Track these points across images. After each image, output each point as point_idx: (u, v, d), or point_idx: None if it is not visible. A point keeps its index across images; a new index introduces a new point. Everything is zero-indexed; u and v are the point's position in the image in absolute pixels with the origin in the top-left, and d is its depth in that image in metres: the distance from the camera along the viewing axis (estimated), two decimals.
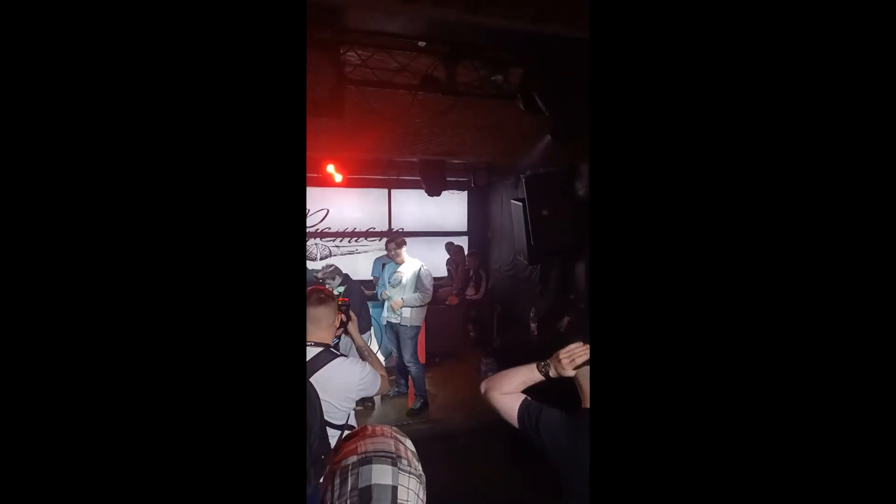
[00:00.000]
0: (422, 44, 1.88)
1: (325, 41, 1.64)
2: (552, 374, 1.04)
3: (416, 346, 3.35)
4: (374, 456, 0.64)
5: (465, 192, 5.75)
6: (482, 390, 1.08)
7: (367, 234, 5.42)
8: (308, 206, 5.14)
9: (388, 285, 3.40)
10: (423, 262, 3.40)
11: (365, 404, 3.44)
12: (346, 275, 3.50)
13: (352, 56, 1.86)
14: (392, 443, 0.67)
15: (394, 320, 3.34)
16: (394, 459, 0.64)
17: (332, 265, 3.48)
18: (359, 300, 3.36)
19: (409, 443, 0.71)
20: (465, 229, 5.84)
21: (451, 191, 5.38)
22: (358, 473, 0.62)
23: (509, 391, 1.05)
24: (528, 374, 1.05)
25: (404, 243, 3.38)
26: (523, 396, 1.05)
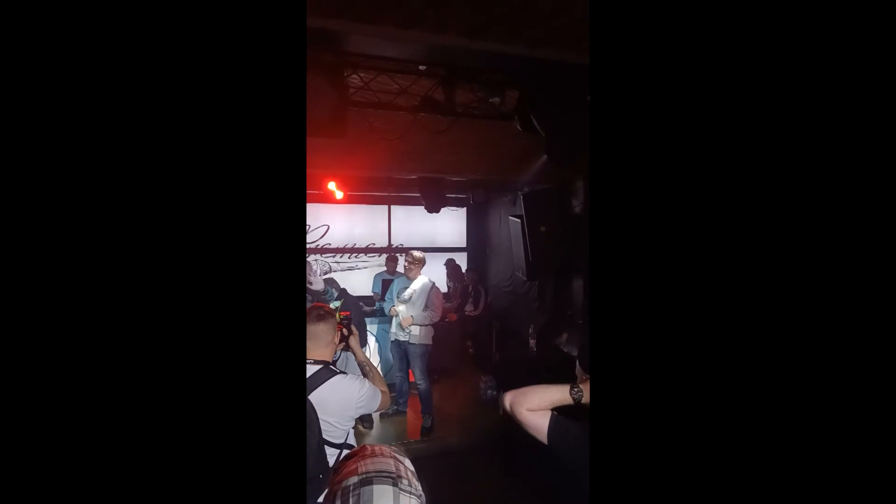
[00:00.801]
0: (422, 67, 1.94)
1: (328, 64, 1.70)
2: (584, 400, 1.02)
3: (425, 364, 3.31)
4: (375, 476, 0.64)
5: (465, 209, 5.80)
6: (507, 403, 1.07)
7: (368, 251, 5.44)
8: (309, 223, 5.17)
9: (396, 300, 3.37)
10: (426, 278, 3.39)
11: (363, 424, 3.40)
12: (344, 289, 3.50)
13: (354, 79, 1.92)
14: (392, 463, 0.68)
15: (402, 338, 3.30)
16: (395, 480, 0.64)
17: (330, 277, 3.48)
18: (357, 316, 3.35)
19: (408, 462, 0.71)
20: (464, 245, 5.86)
21: (451, 207, 5.42)
22: (359, 494, 0.62)
23: (537, 408, 1.04)
24: (559, 396, 1.04)
25: (423, 261, 3.32)
26: (551, 412, 1.04)
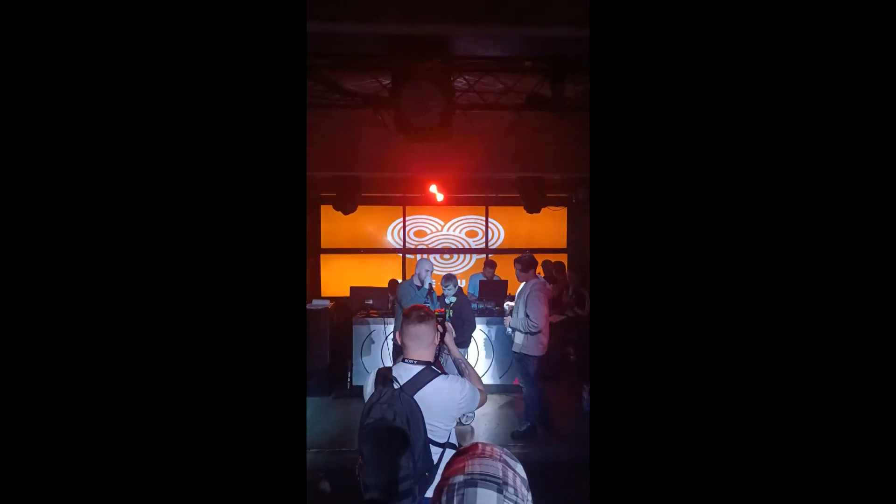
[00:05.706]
0: (527, 63, 1.88)
1: (437, 70, 1.74)
2: None
3: (526, 371, 3.20)
4: (480, 479, 0.63)
5: (566, 208, 5.55)
6: None
7: (466, 251, 5.52)
8: (411, 226, 5.43)
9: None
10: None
11: (461, 423, 3.44)
12: (460, 288, 3.56)
13: (460, 82, 1.94)
14: (500, 467, 0.65)
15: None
16: (500, 486, 0.62)
17: (450, 273, 3.54)
18: (468, 315, 3.39)
19: (519, 468, 0.68)
20: (564, 246, 5.61)
21: (551, 207, 5.22)
22: (463, 495, 0.62)
23: None
24: None
25: (531, 264, 3.14)
26: None
